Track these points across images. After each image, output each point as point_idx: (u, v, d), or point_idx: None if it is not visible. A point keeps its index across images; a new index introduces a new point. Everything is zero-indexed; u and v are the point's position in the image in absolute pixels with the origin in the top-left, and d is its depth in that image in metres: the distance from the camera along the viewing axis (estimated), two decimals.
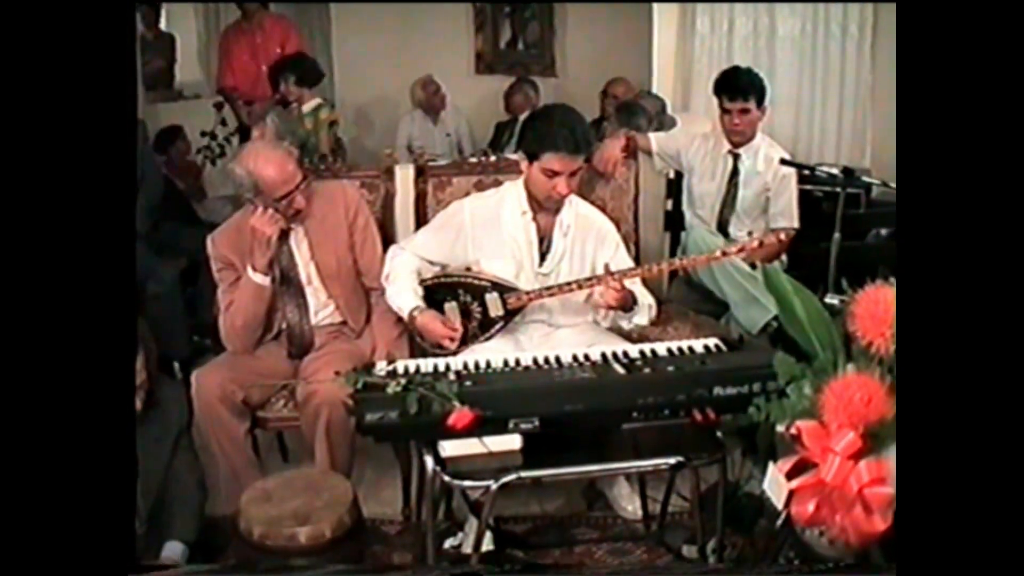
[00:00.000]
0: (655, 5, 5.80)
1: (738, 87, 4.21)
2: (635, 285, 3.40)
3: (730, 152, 4.29)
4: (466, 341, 3.41)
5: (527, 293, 3.37)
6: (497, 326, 3.42)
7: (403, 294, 3.43)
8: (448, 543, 3.33)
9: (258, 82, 6.60)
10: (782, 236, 3.42)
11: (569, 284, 3.34)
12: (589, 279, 3.31)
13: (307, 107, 6.07)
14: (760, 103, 4.19)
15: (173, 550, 3.06)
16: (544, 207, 3.40)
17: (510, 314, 3.41)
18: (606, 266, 3.31)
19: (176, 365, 4.82)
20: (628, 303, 3.32)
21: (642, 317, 3.42)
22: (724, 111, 4.23)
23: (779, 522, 2.25)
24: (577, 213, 3.48)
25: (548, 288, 3.37)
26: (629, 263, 3.49)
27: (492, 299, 3.39)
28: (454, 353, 3.31)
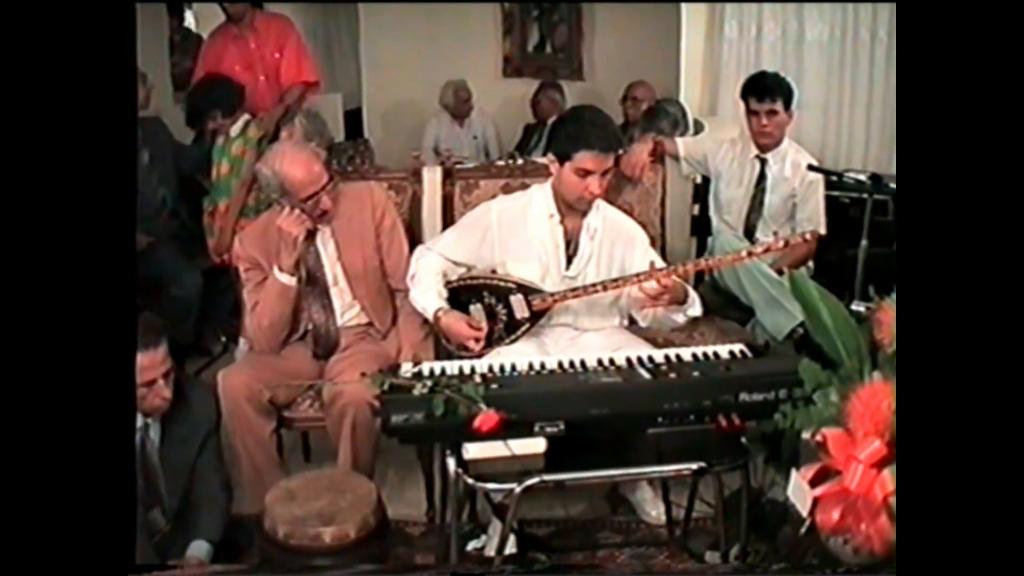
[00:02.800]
0: (683, 9, 5.79)
1: (765, 88, 4.22)
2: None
3: (757, 157, 4.29)
4: (491, 343, 3.42)
5: (552, 295, 3.37)
6: (522, 328, 3.42)
7: (428, 295, 3.44)
8: (472, 545, 3.33)
9: (255, 96, 5.49)
10: (807, 236, 3.40)
11: (595, 285, 3.33)
12: (615, 280, 3.30)
13: (235, 128, 5.04)
14: (788, 106, 4.19)
15: (199, 549, 3.08)
16: (573, 209, 3.40)
17: (535, 316, 3.41)
18: (651, 263, 3.31)
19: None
20: (680, 296, 3.29)
21: (695, 309, 3.39)
22: (752, 113, 4.24)
23: (803, 529, 2.25)
24: (604, 217, 3.49)
25: (574, 290, 3.37)
26: (660, 264, 3.47)
27: (517, 301, 3.39)
28: (479, 355, 3.32)
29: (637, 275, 3.27)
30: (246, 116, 5.09)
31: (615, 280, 3.31)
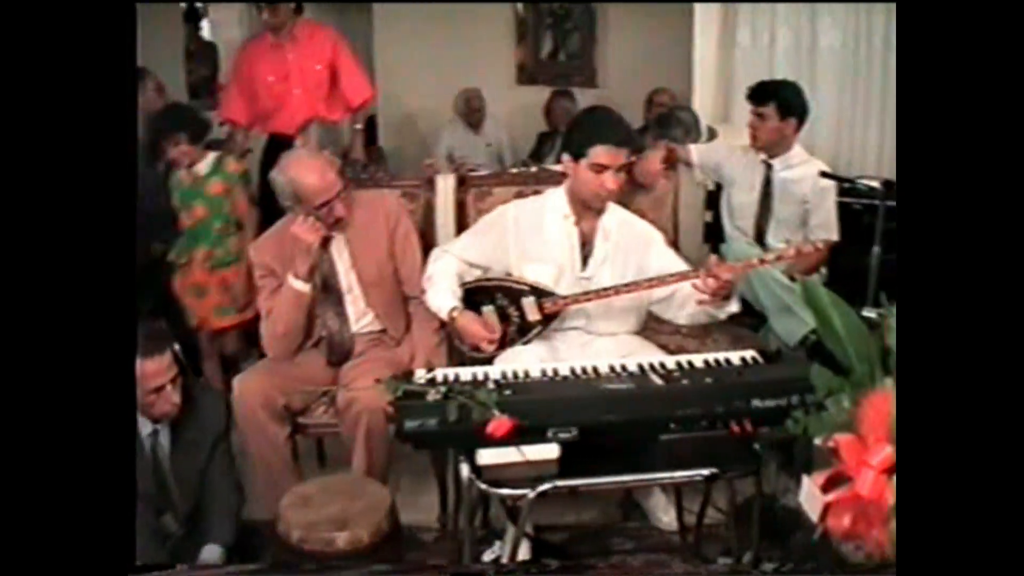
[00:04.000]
0: (696, 17, 5.80)
1: (754, 92, 4.31)
2: None
3: (764, 162, 4.29)
4: (503, 345, 3.43)
5: (564, 298, 3.38)
6: (534, 331, 3.43)
7: (442, 295, 3.46)
8: (487, 556, 3.33)
9: (287, 110, 5.21)
10: (819, 245, 3.39)
11: (607, 289, 3.35)
12: (627, 285, 3.32)
13: (206, 165, 4.56)
14: (784, 113, 4.19)
15: (211, 553, 3.09)
16: (588, 210, 3.43)
17: (547, 319, 3.42)
18: (668, 278, 3.30)
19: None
20: (732, 291, 3.25)
21: (735, 305, 3.34)
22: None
23: (815, 535, 2.25)
24: (619, 219, 3.50)
25: (586, 293, 3.38)
26: (680, 262, 3.48)
27: (529, 303, 3.41)
28: (491, 357, 3.34)
29: (648, 280, 3.29)
30: (215, 153, 4.64)
31: (627, 284, 3.32)
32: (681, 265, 3.44)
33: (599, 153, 3.27)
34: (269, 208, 3.99)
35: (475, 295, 3.51)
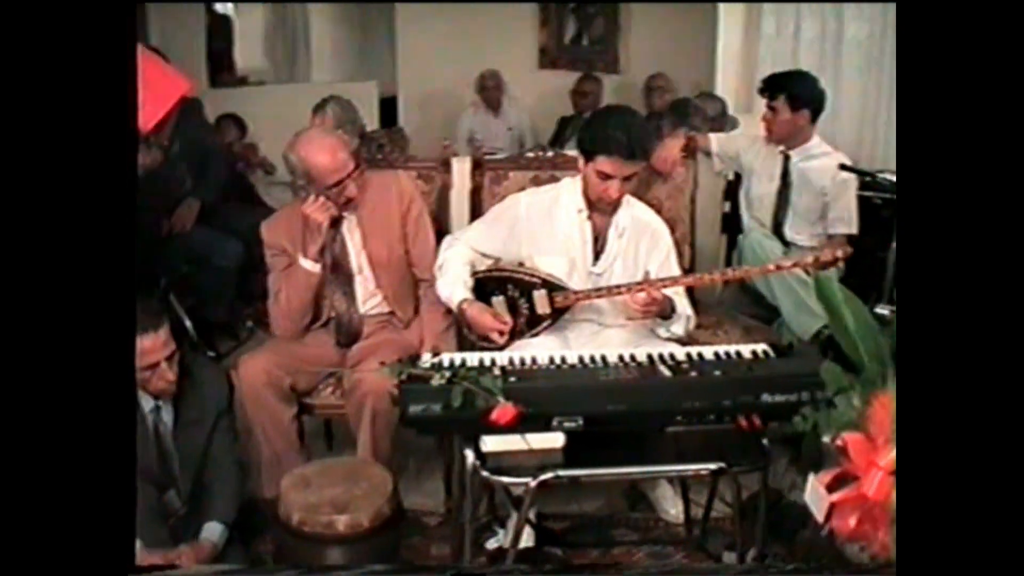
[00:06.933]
0: (721, 6, 5.76)
1: (764, 85, 4.29)
2: (677, 295, 3.37)
3: (782, 152, 4.25)
4: (513, 336, 3.40)
5: (575, 293, 3.35)
6: (544, 324, 3.40)
7: (454, 285, 3.43)
8: (490, 544, 3.32)
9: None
10: (839, 253, 3.30)
11: (619, 287, 3.31)
12: (640, 283, 3.28)
13: None
14: (796, 106, 4.15)
15: (212, 531, 3.08)
16: (599, 207, 3.38)
17: (557, 312, 3.39)
18: (646, 273, 3.29)
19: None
20: (665, 311, 3.28)
21: (679, 327, 3.37)
22: None
23: (822, 533, 2.23)
24: (633, 216, 3.46)
25: (597, 290, 3.35)
26: (676, 271, 3.46)
27: (540, 296, 3.38)
28: (501, 348, 3.31)
29: (662, 280, 3.25)
30: None
31: (639, 283, 3.27)
32: (676, 273, 3.48)
33: (604, 163, 3.23)
34: None
35: (486, 285, 3.48)
